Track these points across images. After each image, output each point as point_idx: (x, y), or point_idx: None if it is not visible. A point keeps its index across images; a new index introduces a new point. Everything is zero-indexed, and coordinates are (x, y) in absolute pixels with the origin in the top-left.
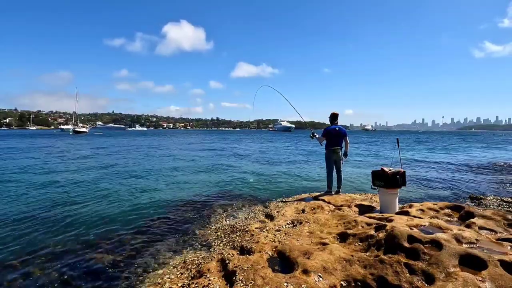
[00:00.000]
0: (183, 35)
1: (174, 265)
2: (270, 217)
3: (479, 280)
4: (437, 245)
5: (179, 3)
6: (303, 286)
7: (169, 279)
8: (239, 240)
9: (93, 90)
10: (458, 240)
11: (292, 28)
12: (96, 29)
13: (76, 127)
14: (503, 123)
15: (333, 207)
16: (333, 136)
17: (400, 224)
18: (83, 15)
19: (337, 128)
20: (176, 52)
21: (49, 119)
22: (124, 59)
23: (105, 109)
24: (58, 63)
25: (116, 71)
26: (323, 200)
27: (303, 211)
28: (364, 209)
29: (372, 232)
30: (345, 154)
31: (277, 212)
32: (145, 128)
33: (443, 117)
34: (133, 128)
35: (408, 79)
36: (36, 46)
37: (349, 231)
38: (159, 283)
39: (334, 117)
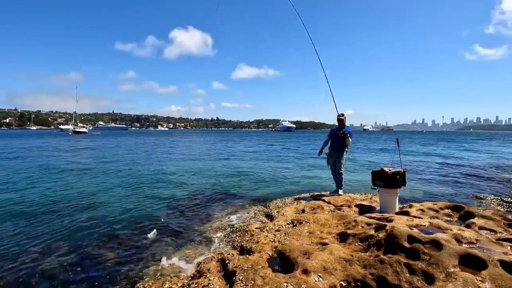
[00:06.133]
0: (190, 40)
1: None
2: (270, 217)
3: (479, 280)
4: (437, 245)
5: (187, 9)
6: (303, 286)
7: (169, 279)
8: (239, 240)
9: (99, 90)
10: (458, 240)
11: (293, 31)
12: (109, 34)
13: (76, 127)
14: (503, 123)
15: (333, 207)
16: None
17: (400, 224)
18: (95, 20)
19: None
20: (182, 56)
21: (49, 119)
22: (132, 61)
23: (108, 109)
24: (69, 65)
25: (123, 73)
26: (323, 200)
27: (303, 211)
28: (364, 209)
29: (372, 232)
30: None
31: (277, 212)
32: (166, 128)
33: (443, 117)
34: (138, 128)
35: (408, 79)
36: (49, 49)
37: (349, 231)
38: (159, 283)
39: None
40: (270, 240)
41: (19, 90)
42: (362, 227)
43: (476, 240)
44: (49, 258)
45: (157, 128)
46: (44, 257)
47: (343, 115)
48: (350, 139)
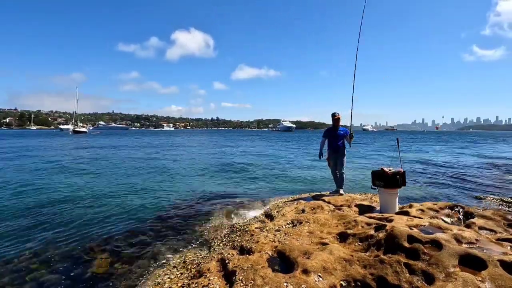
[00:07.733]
0: (191, 41)
1: (174, 265)
2: (270, 217)
3: (479, 280)
4: (437, 245)
5: (189, 10)
6: (303, 286)
7: (169, 279)
8: (239, 240)
9: (99, 90)
10: (458, 240)
11: (293, 33)
12: (111, 35)
13: (75, 127)
14: (503, 123)
15: (333, 207)
16: None
17: (400, 224)
18: (97, 20)
19: None
20: (183, 57)
21: (49, 119)
22: (134, 62)
23: (108, 109)
24: (70, 66)
25: (125, 73)
26: (323, 200)
27: (303, 211)
28: (364, 209)
29: (372, 232)
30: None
31: (277, 212)
32: (172, 128)
33: (443, 117)
34: (141, 128)
35: (410, 79)
36: (50, 49)
37: (349, 231)
38: (159, 283)
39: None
40: (270, 240)
41: (20, 90)
42: (362, 227)
43: (476, 240)
44: (46, 261)
45: (163, 128)
46: (40, 260)
47: (339, 114)
48: (353, 137)
